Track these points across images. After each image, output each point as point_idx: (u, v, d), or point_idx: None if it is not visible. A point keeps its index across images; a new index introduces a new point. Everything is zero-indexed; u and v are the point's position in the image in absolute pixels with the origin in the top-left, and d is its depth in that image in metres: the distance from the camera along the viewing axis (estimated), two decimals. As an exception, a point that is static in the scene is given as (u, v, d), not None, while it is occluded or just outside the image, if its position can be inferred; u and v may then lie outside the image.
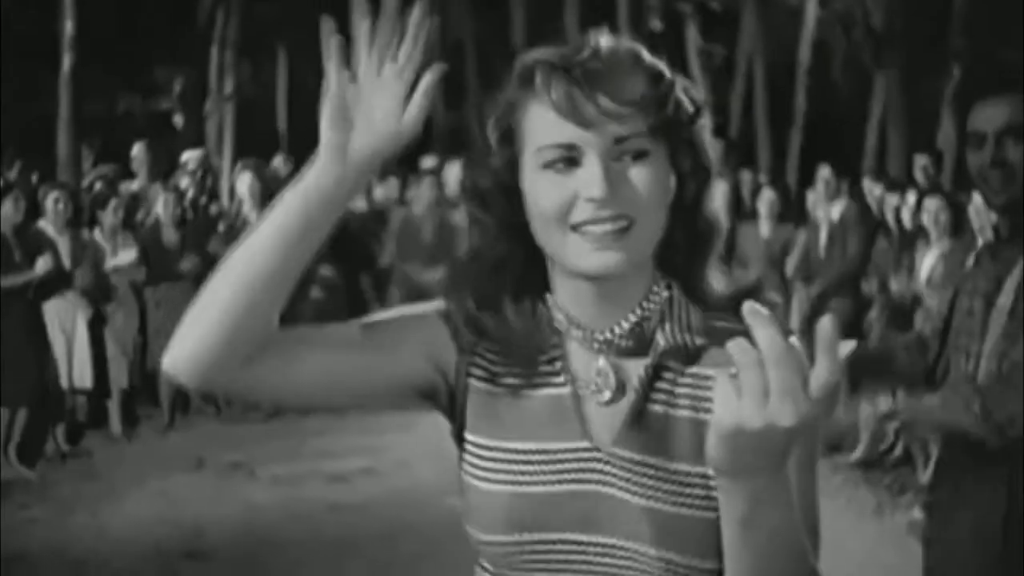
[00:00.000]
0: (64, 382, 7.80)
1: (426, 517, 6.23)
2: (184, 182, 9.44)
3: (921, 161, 8.66)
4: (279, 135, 21.15)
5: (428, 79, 1.35)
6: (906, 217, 7.91)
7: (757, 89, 17.41)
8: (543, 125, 1.35)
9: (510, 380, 1.43)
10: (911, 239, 7.62)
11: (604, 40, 1.37)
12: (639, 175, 1.33)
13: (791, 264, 8.63)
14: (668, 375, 1.40)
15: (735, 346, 1.08)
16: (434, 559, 5.58)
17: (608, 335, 1.40)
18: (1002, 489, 2.53)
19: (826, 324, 1.08)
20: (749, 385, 1.08)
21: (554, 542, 1.39)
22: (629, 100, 1.32)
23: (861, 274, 7.98)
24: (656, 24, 17.92)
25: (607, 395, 1.40)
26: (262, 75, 21.23)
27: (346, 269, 8.99)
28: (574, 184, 1.33)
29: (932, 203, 7.22)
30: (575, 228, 1.33)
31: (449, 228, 9.25)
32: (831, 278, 8.18)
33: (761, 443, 1.11)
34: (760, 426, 1.09)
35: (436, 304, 1.47)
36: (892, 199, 8.25)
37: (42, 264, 7.42)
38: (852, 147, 15.70)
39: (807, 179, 9.95)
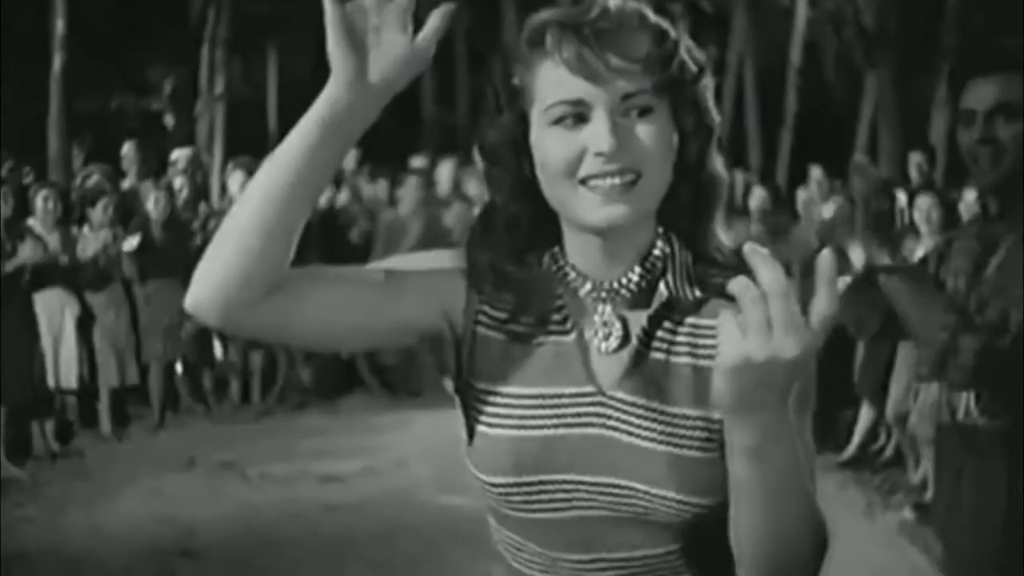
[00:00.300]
0: (51, 381, 7.79)
1: (423, 517, 6.25)
2: (175, 181, 9.43)
3: (916, 158, 8.66)
4: (270, 134, 21.13)
5: (446, 3, 1.37)
6: (897, 215, 7.93)
7: (748, 89, 17.44)
8: (553, 82, 1.39)
9: (518, 328, 1.49)
10: (900, 235, 7.64)
11: (612, 0, 1.40)
12: (645, 130, 1.39)
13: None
14: (668, 324, 1.46)
15: (737, 284, 1.14)
16: (431, 559, 5.60)
17: (615, 286, 1.47)
18: (1002, 480, 2.54)
19: (826, 257, 1.14)
20: (753, 320, 1.14)
21: (558, 483, 1.44)
22: (636, 57, 1.37)
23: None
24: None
25: (613, 343, 1.47)
26: (253, 74, 21.22)
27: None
28: (582, 139, 1.38)
29: (924, 200, 7.24)
30: (583, 182, 1.39)
31: (438, 228, 9.24)
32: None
33: (767, 375, 1.17)
34: (765, 358, 1.15)
35: (454, 255, 1.53)
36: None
37: (28, 250, 7.41)
38: (843, 146, 15.73)
39: (797, 179, 9.97)
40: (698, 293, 1.45)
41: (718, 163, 1.47)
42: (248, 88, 20.46)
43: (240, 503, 6.66)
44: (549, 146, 1.40)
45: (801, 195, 9.23)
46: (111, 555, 5.80)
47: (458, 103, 24.56)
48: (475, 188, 9.37)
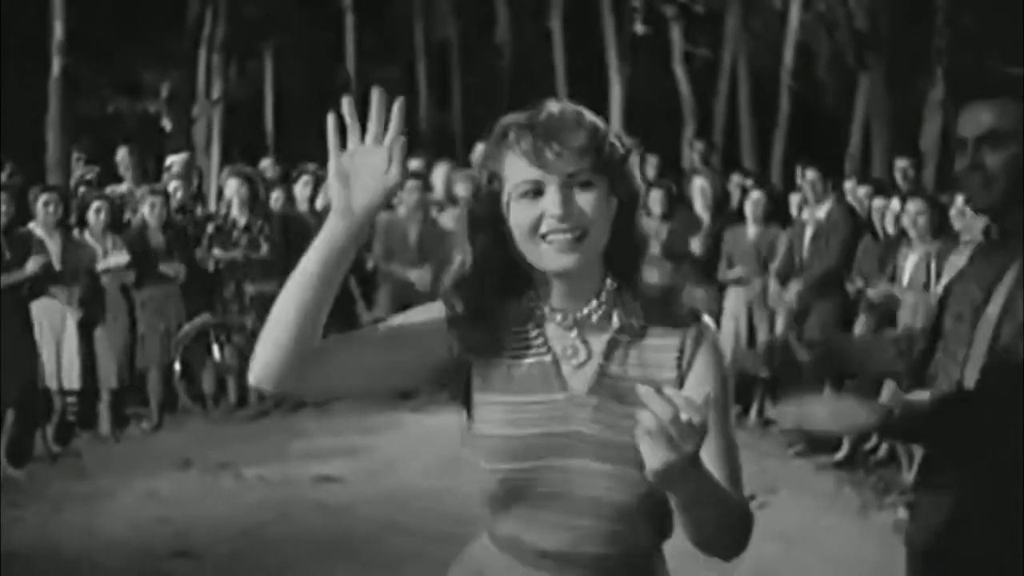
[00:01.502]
0: (53, 383, 7.82)
1: (413, 517, 6.28)
2: (171, 185, 9.46)
3: (901, 164, 8.67)
4: (266, 137, 21.16)
5: (399, 144, 1.83)
6: (889, 220, 7.95)
7: (741, 91, 17.46)
8: (516, 168, 1.91)
9: (503, 354, 1.99)
10: (894, 242, 7.67)
11: (554, 106, 1.94)
12: (586, 199, 1.90)
13: (775, 264, 8.69)
14: (621, 345, 1.98)
15: (643, 418, 1.62)
16: (422, 558, 5.61)
17: (578, 316, 1.98)
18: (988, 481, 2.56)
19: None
20: (659, 442, 1.62)
21: (542, 467, 1.92)
22: (575, 147, 1.88)
23: (845, 275, 8.01)
24: (640, 27, 17.95)
25: (580, 359, 1.98)
26: (249, 78, 21.23)
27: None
28: (540, 207, 1.89)
29: (912, 206, 7.27)
30: (543, 237, 1.90)
31: (434, 229, 9.28)
32: (812, 277, 8.22)
33: (677, 463, 1.64)
34: (674, 458, 1.63)
35: (438, 308, 2.01)
36: (877, 202, 8.29)
37: (33, 264, 7.46)
38: (836, 149, 15.77)
39: (791, 181, 9.97)
40: (641, 321, 1.98)
41: (643, 223, 2.01)
42: (245, 91, 20.46)
43: (235, 503, 6.69)
44: (516, 213, 1.91)
45: (795, 198, 9.24)
46: (107, 556, 5.82)
47: (453, 108, 24.58)
48: (466, 191, 9.38)
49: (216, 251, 8.86)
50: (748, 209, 8.97)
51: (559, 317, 1.98)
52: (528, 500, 1.94)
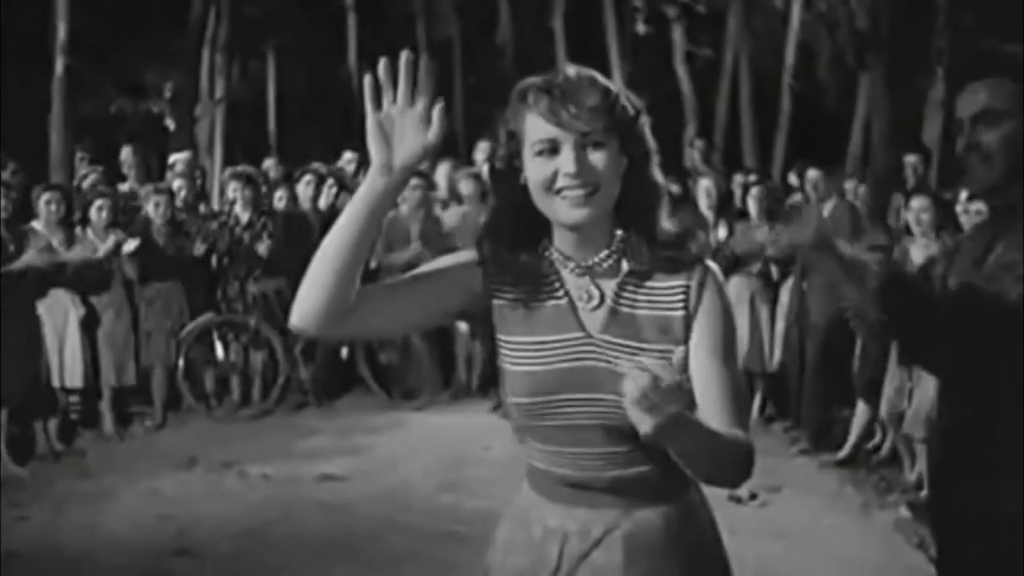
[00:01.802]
0: (56, 380, 7.83)
1: (415, 516, 6.29)
2: (175, 184, 9.48)
3: (911, 160, 8.67)
4: (268, 136, 21.18)
5: (439, 106, 1.95)
6: (892, 217, 7.96)
7: (742, 91, 17.47)
8: (534, 127, 2.11)
9: (524, 297, 2.20)
10: (899, 238, 7.67)
11: (570, 69, 2.12)
12: (598, 158, 2.08)
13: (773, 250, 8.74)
14: (631, 288, 2.18)
15: (628, 389, 1.83)
16: (422, 558, 5.64)
17: (590, 263, 2.19)
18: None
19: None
20: (639, 412, 1.84)
21: (561, 399, 2.13)
22: (589, 107, 2.06)
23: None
24: (641, 27, 17.96)
25: (593, 303, 2.18)
26: (251, 78, 21.27)
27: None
28: (556, 164, 2.08)
29: (916, 202, 7.27)
30: (558, 192, 2.09)
31: (435, 227, 9.30)
32: (819, 280, 8.21)
33: (661, 431, 1.85)
34: (653, 427, 1.84)
35: (468, 253, 2.25)
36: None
37: (32, 253, 7.47)
38: (837, 147, 15.77)
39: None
40: (648, 266, 2.17)
41: (658, 175, 2.18)
42: (247, 91, 20.49)
43: (238, 502, 6.69)
44: (534, 170, 2.11)
45: (797, 195, 9.27)
46: (110, 554, 5.81)
47: (454, 108, 24.59)
48: (468, 188, 9.45)
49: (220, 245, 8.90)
50: (751, 206, 9.02)
51: (572, 265, 2.19)
52: (550, 430, 2.17)
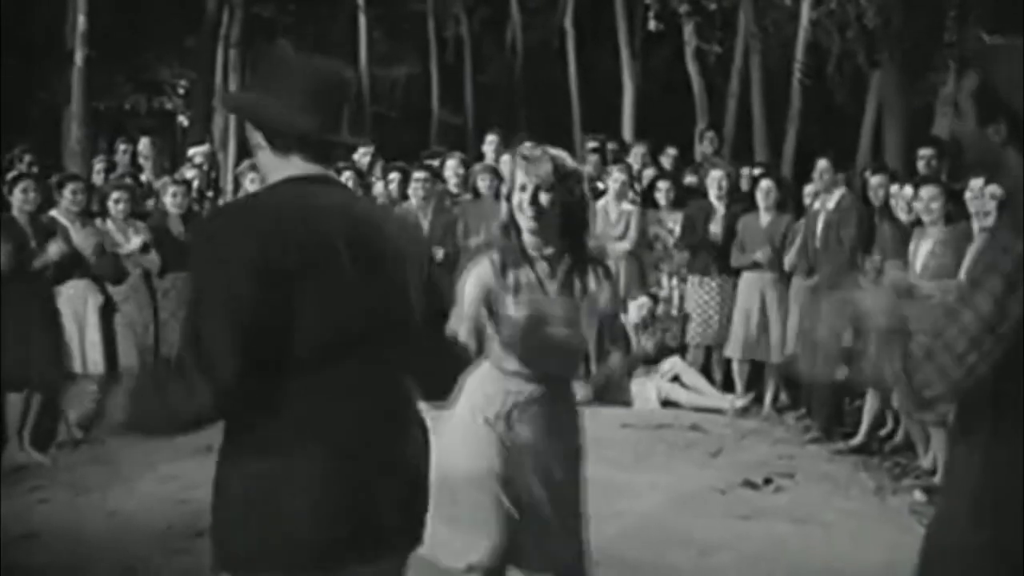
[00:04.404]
0: (77, 368, 7.89)
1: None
2: (192, 175, 9.56)
3: (924, 152, 8.69)
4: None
5: None
6: (902, 207, 7.97)
7: (753, 87, 17.50)
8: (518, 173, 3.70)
9: (510, 281, 3.67)
10: (909, 228, 7.70)
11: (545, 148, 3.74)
12: (545, 198, 3.62)
13: (789, 255, 8.77)
14: (574, 269, 3.70)
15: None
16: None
17: (545, 254, 3.69)
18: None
19: None
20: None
21: (533, 332, 3.61)
22: (545, 170, 3.63)
23: (860, 262, 8.05)
24: (653, 23, 18.01)
25: (553, 276, 3.68)
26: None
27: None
28: (525, 196, 3.67)
29: (926, 191, 7.28)
30: (523, 211, 3.67)
31: (446, 219, 9.38)
32: (828, 271, 8.24)
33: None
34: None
35: (486, 256, 3.72)
36: (893, 188, 8.30)
37: (55, 248, 7.53)
38: (848, 143, 15.80)
39: (803, 175, 10.04)
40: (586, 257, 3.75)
41: (590, 207, 3.81)
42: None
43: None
44: (515, 198, 3.66)
45: (808, 188, 9.32)
46: (130, 534, 5.88)
47: (465, 106, 24.67)
48: (484, 182, 9.57)
49: None
50: (759, 198, 9.10)
51: (536, 254, 3.69)
52: (526, 349, 3.63)
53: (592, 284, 3.69)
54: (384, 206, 3.30)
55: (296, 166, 2.61)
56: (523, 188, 3.60)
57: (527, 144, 3.75)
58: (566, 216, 3.63)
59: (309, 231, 2.49)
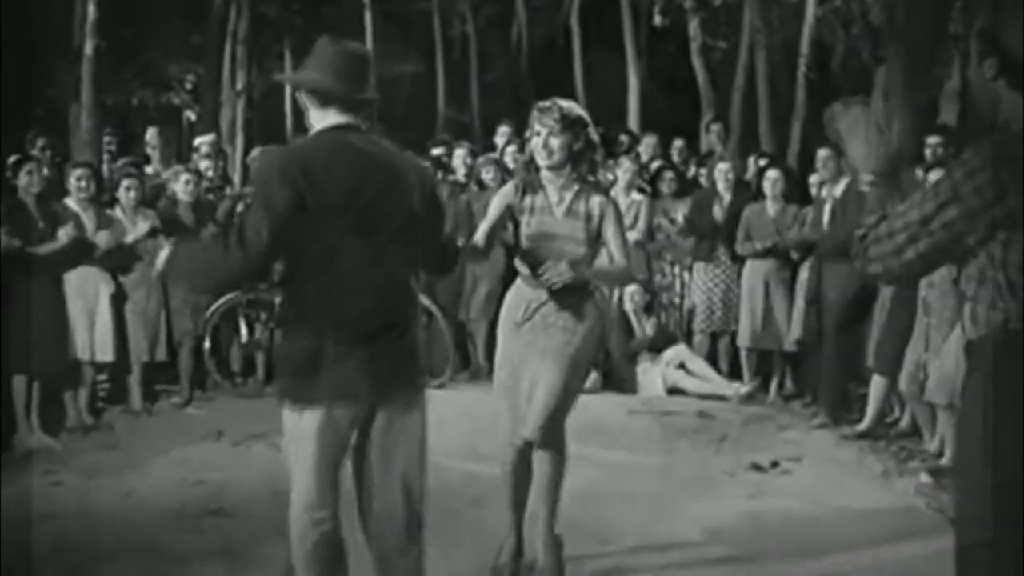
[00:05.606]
0: (86, 355, 7.93)
1: (440, 482, 6.35)
2: (202, 164, 9.62)
3: (932, 140, 8.76)
4: (286, 125, 21.40)
5: None
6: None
7: (759, 81, 17.53)
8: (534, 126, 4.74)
9: (529, 206, 4.74)
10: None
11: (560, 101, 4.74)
12: (557, 141, 4.68)
13: (791, 235, 8.85)
14: (579, 197, 4.72)
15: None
16: (440, 531, 5.69)
17: (557, 185, 4.80)
18: None
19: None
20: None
21: (545, 243, 4.64)
22: (554, 118, 4.63)
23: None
24: (659, 19, 18.05)
25: (562, 202, 4.71)
26: (267, 72, 21.45)
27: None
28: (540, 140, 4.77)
29: (934, 175, 7.34)
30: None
31: (454, 208, 9.43)
32: (828, 246, 8.29)
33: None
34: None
35: (512, 181, 4.87)
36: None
37: (64, 233, 7.57)
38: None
39: (808, 168, 10.08)
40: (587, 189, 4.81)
41: (597, 149, 4.75)
42: (265, 85, 20.67)
43: (268, 468, 6.71)
44: (532, 141, 4.71)
45: (813, 178, 9.37)
46: (143, 515, 5.91)
47: (470, 104, 24.70)
48: (489, 174, 9.66)
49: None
50: (766, 187, 9.16)
51: (549, 184, 4.68)
52: (540, 257, 4.55)
53: (596, 210, 4.64)
54: (398, 149, 3.78)
55: (333, 117, 3.60)
56: (538, 134, 4.60)
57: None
58: (573, 155, 4.62)
59: (338, 159, 3.48)
